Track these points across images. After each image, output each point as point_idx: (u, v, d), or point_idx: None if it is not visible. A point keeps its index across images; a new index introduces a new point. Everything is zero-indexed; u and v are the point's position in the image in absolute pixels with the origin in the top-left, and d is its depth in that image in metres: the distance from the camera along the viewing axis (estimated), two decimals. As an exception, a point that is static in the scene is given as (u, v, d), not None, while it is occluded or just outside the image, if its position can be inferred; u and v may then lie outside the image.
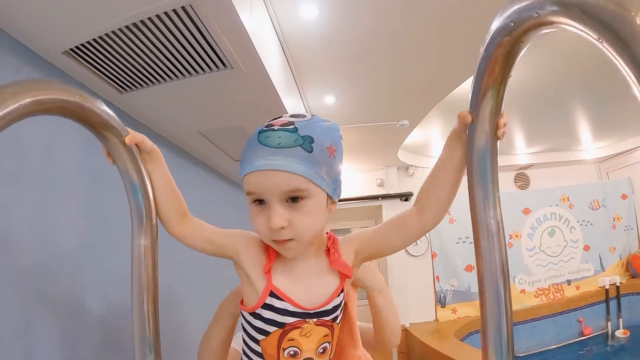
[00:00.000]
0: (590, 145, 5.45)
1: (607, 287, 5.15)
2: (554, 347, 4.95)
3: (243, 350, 0.73)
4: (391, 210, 4.95)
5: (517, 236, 5.15)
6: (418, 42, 1.93)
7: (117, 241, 1.36)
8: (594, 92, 3.40)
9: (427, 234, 4.89)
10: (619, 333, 4.98)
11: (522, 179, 5.75)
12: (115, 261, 1.36)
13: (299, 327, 0.67)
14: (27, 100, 0.37)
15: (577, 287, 5.33)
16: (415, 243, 4.91)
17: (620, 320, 5.11)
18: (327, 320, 0.69)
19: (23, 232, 1.05)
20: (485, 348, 0.54)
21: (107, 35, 1.11)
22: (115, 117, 0.56)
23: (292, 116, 0.66)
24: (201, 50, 1.21)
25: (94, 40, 1.12)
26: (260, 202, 0.63)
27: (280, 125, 0.63)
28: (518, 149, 5.25)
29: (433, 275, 5.00)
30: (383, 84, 2.35)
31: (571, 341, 5.02)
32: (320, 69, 2.10)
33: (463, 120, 0.60)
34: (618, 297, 5.17)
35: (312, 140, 0.62)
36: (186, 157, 2.06)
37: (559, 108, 3.86)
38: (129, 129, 0.62)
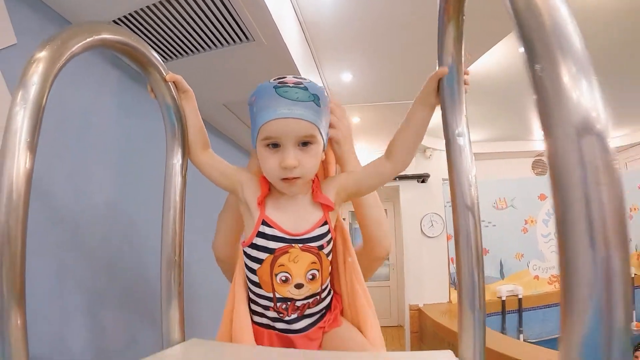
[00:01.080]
0: (608, 134, 5.35)
1: (622, 276, 5.08)
2: (566, 335, 4.95)
3: (248, 288, 0.85)
4: (408, 192, 5.07)
5: (532, 222, 5.11)
6: (434, 21, 1.99)
7: (145, 199, 1.52)
8: (611, 79, 3.38)
9: (443, 216, 4.97)
10: (632, 326, 4.84)
11: (540, 166, 5.71)
12: (143, 216, 1.52)
13: (287, 252, 0.77)
14: (101, 36, 0.51)
15: (593, 275, 5.22)
16: (431, 224, 5.02)
17: (634, 313, 4.77)
18: (313, 247, 0.79)
19: (60, 185, 1.21)
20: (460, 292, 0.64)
21: (142, 10, 1.24)
22: (159, 59, 0.70)
23: (294, 77, 0.78)
24: (225, 23, 1.33)
25: (130, 15, 1.26)
26: (274, 145, 0.75)
27: (294, 84, 0.75)
28: (535, 134, 5.23)
29: (448, 257, 5.01)
30: (399, 62, 2.42)
31: (585, 330, 4.98)
32: (338, 45, 2.19)
33: (435, 75, 0.71)
34: (633, 289, 4.92)
35: (318, 98, 0.75)
36: (209, 128, 2.22)
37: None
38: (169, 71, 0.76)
